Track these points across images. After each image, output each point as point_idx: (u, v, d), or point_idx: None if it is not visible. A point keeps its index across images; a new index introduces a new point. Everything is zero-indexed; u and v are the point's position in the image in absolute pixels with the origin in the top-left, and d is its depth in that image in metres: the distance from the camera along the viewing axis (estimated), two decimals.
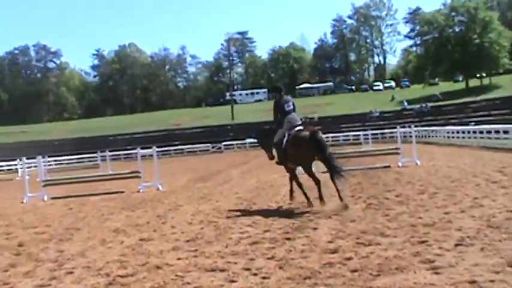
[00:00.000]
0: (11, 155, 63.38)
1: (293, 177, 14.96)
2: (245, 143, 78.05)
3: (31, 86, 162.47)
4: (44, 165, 30.99)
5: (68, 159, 66.94)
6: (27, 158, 26.21)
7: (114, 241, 11.11)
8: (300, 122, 14.55)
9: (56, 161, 63.29)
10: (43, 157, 27.14)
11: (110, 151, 43.79)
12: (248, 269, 8.01)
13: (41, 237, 12.37)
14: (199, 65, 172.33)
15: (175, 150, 78.55)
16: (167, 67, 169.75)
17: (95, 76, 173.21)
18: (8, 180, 44.20)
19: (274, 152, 15.28)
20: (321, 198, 13.52)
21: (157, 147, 24.69)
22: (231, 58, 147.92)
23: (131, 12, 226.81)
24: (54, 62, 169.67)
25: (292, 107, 14.62)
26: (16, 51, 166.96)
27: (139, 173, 22.22)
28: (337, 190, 13.31)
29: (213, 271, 8.08)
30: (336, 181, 13.33)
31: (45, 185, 22.50)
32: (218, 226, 11.91)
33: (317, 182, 13.71)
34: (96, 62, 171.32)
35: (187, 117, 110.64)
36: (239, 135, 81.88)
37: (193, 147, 79.95)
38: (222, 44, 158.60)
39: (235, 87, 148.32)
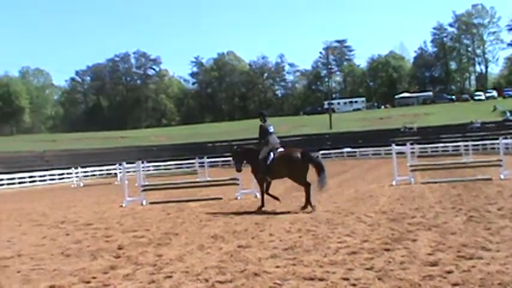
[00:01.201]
0: (111, 160, 64.85)
1: (261, 186, 18.02)
2: (343, 152, 77.42)
3: (131, 92, 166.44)
4: (143, 171, 31.48)
5: (166, 165, 67.98)
6: (127, 163, 26.67)
7: (212, 247, 11.12)
8: (279, 145, 18.01)
9: (154, 166, 64.41)
10: (142, 162, 27.54)
11: (208, 158, 44.07)
12: (347, 279, 7.90)
13: (140, 241, 12.52)
14: (298, 73, 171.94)
15: None
16: (265, 75, 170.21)
17: (193, 83, 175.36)
18: (107, 184, 45.25)
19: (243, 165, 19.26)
20: (309, 203, 16.63)
21: None
22: (329, 66, 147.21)
23: (230, 21, 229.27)
24: (154, 69, 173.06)
25: (273, 129, 18.23)
26: (117, 59, 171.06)
27: (238, 180, 22.23)
28: (307, 195, 16.71)
29: (311, 280, 8.00)
30: (309, 186, 16.81)
31: (144, 190, 22.84)
32: (316, 235, 11.78)
33: (307, 186, 16.85)
34: (195, 69, 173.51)
35: (285, 125, 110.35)
36: (337, 144, 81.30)
37: None
38: (320, 52, 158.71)
39: (334, 95, 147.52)
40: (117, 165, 49.70)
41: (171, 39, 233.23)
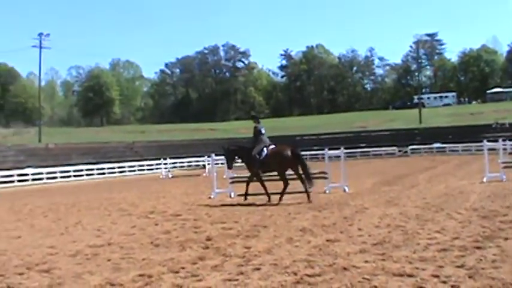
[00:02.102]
0: (199, 152, 65.54)
1: (258, 179, 20.50)
2: (432, 148, 76.05)
3: (220, 85, 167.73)
4: None
5: None
6: (215, 155, 26.83)
7: (301, 240, 11.04)
8: (269, 142, 20.62)
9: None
10: None
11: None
12: (437, 276, 7.68)
13: (229, 232, 12.55)
14: (387, 67, 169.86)
15: (361, 152, 77.74)
16: (354, 69, 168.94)
17: (282, 76, 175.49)
18: (196, 176, 45.74)
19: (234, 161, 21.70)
20: (282, 195, 19.38)
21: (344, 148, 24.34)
22: (419, 61, 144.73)
23: (319, 14, 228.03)
24: (243, 62, 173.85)
25: (264, 131, 20.86)
26: (206, 51, 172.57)
27: (327, 173, 22.04)
28: (306, 190, 19.23)
29: (400, 276, 7.82)
30: (306, 183, 19.31)
31: (232, 182, 22.91)
32: (406, 231, 11.54)
33: (286, 184, 19.64)
34: (284, 62, 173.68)
35: (374, 119, 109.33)
36: (426, 140, 79.90)
37: (379, 150, 78.72)
38: (410, 46, 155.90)
39: (423, 90, 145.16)
40: (206, 157, 50.23)
41: (260, 32, 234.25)
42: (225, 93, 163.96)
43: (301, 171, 19.49)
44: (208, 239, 11.68)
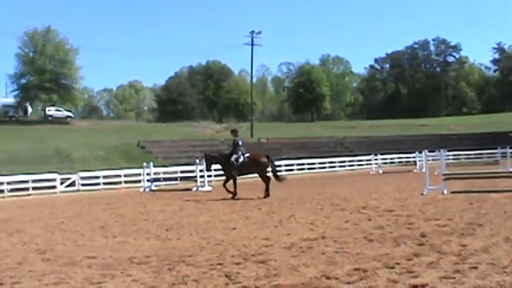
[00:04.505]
0: (409, 148, 64.68)
1: (234, 180, 25.74)
2: None
3: (430, 80, 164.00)
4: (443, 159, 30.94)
5: (466, 155, 66.44)
6: (428, 151, 26.37)
7: None
8: (246, 152, 26.12)
9: (454, 155, 63.16)
10: (442, 151, 27.07)
11: (510, 148, 42.16)
12: None
13: (443, 229, 12.29)
14: None
15: None
16: None
17: (495, 71, 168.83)
18: (406, 172, 45.18)
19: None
20: (267, 191, 24.95)
21: None
22: None
23: None
24: (454, 56, 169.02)
25: (241, 143, 26.16)
26: (416, 46, 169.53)
27: None
28: (267, 186, 25.16)
29: None
30: (269, 181, 25.56)
31: (445, 179, 22.41)
32: None
33: (267, 182, 25.39)
34: (496, 56, 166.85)
35: None
36: None
37: None
38: None
39: None
40: (417, 153, 49.50)
41: (471, 26, 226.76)
42: (436, 89, 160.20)
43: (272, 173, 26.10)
44: (423, 236, 11.49)
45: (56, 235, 15.19)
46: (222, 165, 27.18)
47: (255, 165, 25.73)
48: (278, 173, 26.85)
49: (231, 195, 25.19)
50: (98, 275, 9.40)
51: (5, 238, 15.04)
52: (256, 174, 26.33)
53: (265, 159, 25.88)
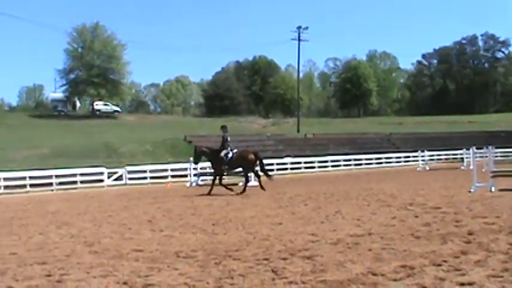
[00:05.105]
0: (456, 144, 63.91)
1: (220, 177, 27.44)
2: None
3: (478, 76, 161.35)
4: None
5: None
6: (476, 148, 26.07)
7: None
8: (234, 148, 27.54)
9: (502, 152, 62.25)
10: (490, 148, 26.72)
11: None
12: None
13: (491, 227, 12.19)
14: None
15: None
16: None
17: None
18: (453, 169, 44.70)
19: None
20: (261, 186, 26.70)
21: None
22: None
23: None
24: (503, 52, 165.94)
25: (229, 139, 27.32)
26: (464, 41, 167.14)
27: None
28: (259, 180, 27.17)
29: None
30: (260, 179, 27.28)
31: (493, 176, 22.15)
32: None
33: (247, 180, 27.41)
34: None
35: None
36: None
37: None
38: None
39: None
40: (464, 149, 48.95)
41: None
42: (484, 85, 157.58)
43: (259, 168, 27.83)
44: (470, 233, 11.42)
45: (104, 228, 15.42)
46: (211, 161, 28.20)
47: (243, 161, 27.15)
48: (266, 170, 28.41)
49: (231, 191, 26.27)
50: (144, 268, 9.53)
51: (54, 230, 15.31)
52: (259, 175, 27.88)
53: (253, 156, 27.27)
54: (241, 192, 25.84)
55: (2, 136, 63.35)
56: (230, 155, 26.96)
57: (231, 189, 26.43)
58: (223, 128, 27.99)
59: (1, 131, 69.44)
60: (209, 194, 26.12)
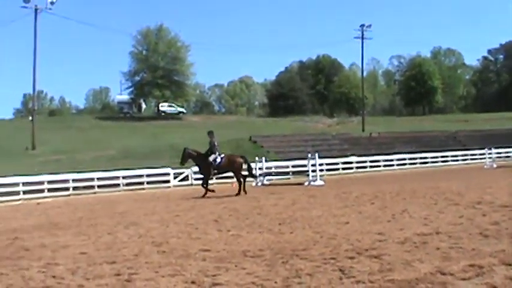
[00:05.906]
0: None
1: (207, 180, 28.20)
2: None
3: None
4: None
5: None
6: None
7: None
8: (221, 152, 28.37)
9: None
10: None
11: None
12: None
13: None
14: None
15: None
16: None
17: None
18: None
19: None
20: (244, 190, 27.58)
21: None
22: None
23: None
24: None
25: (217, 144, 28.18)
26: None
27: None
28: (244, 184, 27.80)
29: None
30: (245, 179, 28.33)
31: None
32: None
33: (240, 182, 27.86)
34: None
35: None
36: None
37: None
38: None
39: None
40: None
41: None
42: None
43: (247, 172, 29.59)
44: None
45: (171, 228, 15.63)
46: (198, 165, 29.17)
47: (231, 165, 28.29)
48: (254, 174, 31.27)
49: (205, 194, 27.41)
50: (212, 267, 9.63)
51: (122, 230, 15.59)
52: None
53: (241, 160, 28.76)
54: (237, 194, 27.15)
55: (71, 138, 64.87)
56: (218, 159, 27.93)
57: (213, 191, 27.81)
58: (210, 133, 28.73)
59: (70, 133, 71.04)
60: (203, 197, 26.98)
